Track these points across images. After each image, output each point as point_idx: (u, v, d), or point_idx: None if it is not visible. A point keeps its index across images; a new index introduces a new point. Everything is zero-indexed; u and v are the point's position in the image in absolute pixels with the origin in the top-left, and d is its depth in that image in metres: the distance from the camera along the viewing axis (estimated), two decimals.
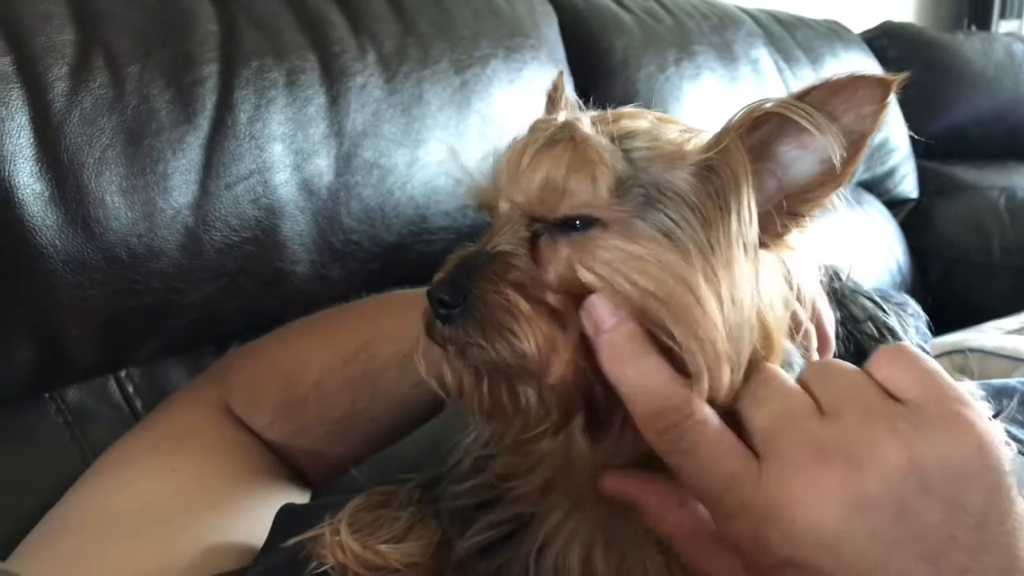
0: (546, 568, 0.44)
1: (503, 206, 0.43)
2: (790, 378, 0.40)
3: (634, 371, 0.39)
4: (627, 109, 0.45)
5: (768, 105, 0.40)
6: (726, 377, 0.39)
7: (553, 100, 0.51)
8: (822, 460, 0.36)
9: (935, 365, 0.38)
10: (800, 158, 0.41)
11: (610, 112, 0.43)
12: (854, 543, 0.35)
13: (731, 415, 0.40)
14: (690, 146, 0.41)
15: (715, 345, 0.39)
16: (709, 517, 0.41)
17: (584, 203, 0.40)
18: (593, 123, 0.42)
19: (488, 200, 0.44)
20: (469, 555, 0.46)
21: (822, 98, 0.39)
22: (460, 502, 0.47)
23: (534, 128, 0.43)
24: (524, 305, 0.39)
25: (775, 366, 0.41)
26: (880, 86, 0.39)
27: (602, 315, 0.39)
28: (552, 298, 0.40)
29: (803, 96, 0.39)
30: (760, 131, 0.40)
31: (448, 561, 0.46)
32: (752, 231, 0.40)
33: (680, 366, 0.39)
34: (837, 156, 0.38)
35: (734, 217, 0.39)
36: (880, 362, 0.39)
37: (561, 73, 0.52)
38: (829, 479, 0.36)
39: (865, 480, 0.35)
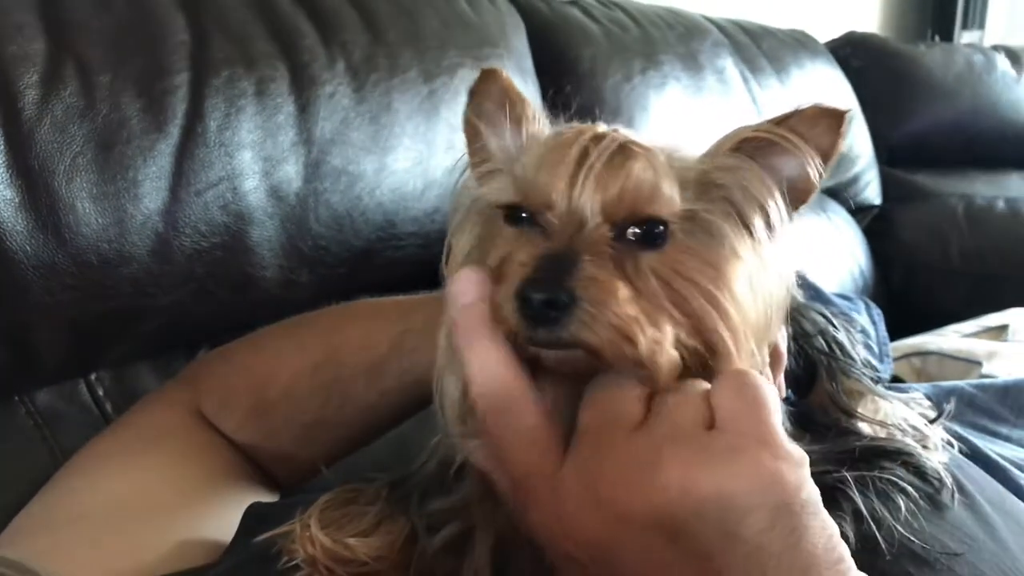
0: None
1: (560, 206, 0.42)
2: (636, 389, 0.42)
3: (477, 352, 0.41)
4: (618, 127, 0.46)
5: (751, 129, 0.45)
6: (750, 359, 0.43)
7: (511, 100, 0.49)
8: (608, 471, 0.39)
9: (761, 397, 0.40)
10: (780, 171, 0.46)
11: (608, 127, 0.45)
12: (625, 554, 0.38)
13: None
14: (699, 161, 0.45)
15: (745, 334, 0.42)
16: None
17: (662, 208, 0.42)
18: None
19: (534, 201, 0.43)
20: (435, 553, 0.47)
21: (794, 124, 0.44)
22: (434, 513, 0.48)
23: (568, 135, 0.43)
24: (634, 307, 0.40)
25: (631, 379, 0.42)
26: (836, 116, 0.45)
27: (466, 287, 0.42)
28: (646, 297, 0.41)
29: (780, 122, 0.45)
30: (744, 149, 0.45)
31: (414, 555, 0.48)
32: (767, 230, 0.44)
33: (711, 351, 0.42)
34: (815, 171, 0.44)
35: (753, 220, 0.44)
36: (720, 384, 0.41)
37: (502, 69, 0.51)
38: (601, 489, 0.38)
39: (631, 498, 0.38)
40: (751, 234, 0.43)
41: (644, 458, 0.38)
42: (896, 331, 1.27)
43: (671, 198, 0.42)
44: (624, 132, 0.44)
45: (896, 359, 1.32)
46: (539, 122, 0.49)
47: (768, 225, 0.44)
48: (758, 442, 0.39)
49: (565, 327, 0.39)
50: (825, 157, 0.45)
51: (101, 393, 0.81)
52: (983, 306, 1.53)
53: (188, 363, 0.83)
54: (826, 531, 0.38)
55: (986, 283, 1.75)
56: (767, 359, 0.46)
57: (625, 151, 0.42)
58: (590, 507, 0.38)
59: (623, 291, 0.40)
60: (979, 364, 1.25)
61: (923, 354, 1.35)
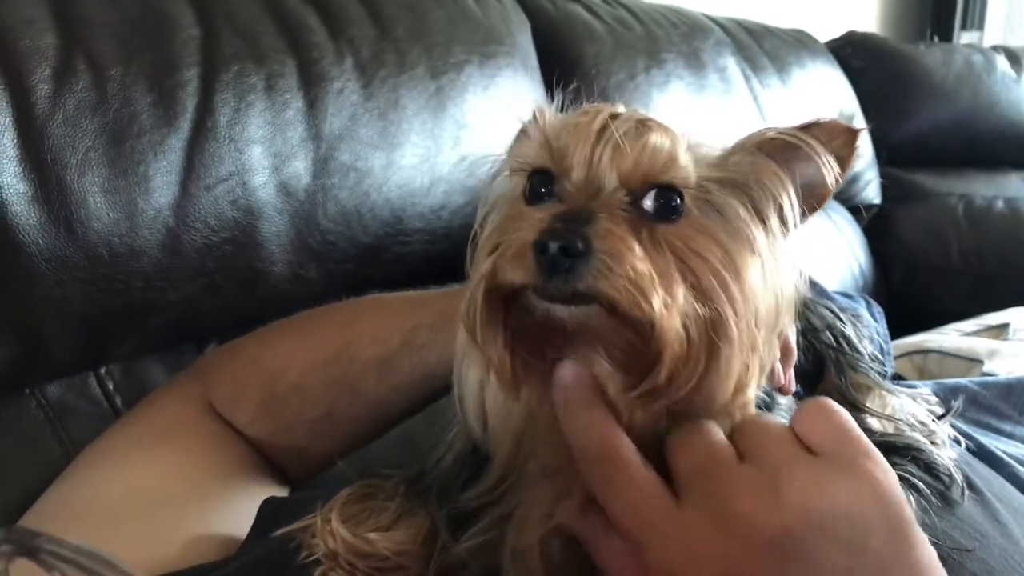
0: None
1: (579, 174, 0.43)
2: (719, 431, 0.44)
3: (579, 421, 0.44)
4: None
5: (775, 132, 0.45)
6: (751, 349, 0.43)
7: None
8: (731, 499, 0.40)
9: (848, 419, 0.43)
10: (799, 173, 0.46)
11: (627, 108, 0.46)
12: None
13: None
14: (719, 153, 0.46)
15: (750, 318, 0.42)
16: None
17: (678, 177, 0.43)
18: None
19: (559, 166, 0.44)
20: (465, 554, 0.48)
21: (816, 132, 0.45)
22: (460, 506, 0.49)
23: (590, 111, 0.44)
24: (647, 265, 0.40)
25: (709, 422, 0.44)
26: (852, 133, 0.46)
27: (567, 372, 0.44)
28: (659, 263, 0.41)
29: (802, 129, 0.45)
30: (765, 148, 0.45)
31: (435, 549, 0.48)
32: (781, 226, 0.45)
33: (717, 334, 0.42)
34: (832, 177, 0.45)
35: (767, 213, 0.44)
36: (802, 415, 0.44)
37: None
38: (728, 518, 0.40)
39: (760, 521, 0.39)
40: (765, 227, 0.44)
41: (764, 484, 0.40)
42: (896, 330, 1.27)
43: (687, 168, 0.43)
44: (642, 112, 0.45)
45: (897, 357, 1.33)
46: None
47: (782, 220, 0.45)
48: (866, 457, 0.41)
49: (581, 277, 0.39)
50: (841, 167, 0.46)
51: (111, 387, 0.81)
52: (983, 305, 1.54)
53: (197, 357, 0.84)
54: (925, 542, 0.40)
55: (986, 282, 1.76)
56: (776, 352, 0.47)
57: (644, 125, 0.43)
58: (719, 537, 0.40)
59: (638, 248, 0.40)
60: (980, 362, 1.26)
61: (924, 352, 1.35)
